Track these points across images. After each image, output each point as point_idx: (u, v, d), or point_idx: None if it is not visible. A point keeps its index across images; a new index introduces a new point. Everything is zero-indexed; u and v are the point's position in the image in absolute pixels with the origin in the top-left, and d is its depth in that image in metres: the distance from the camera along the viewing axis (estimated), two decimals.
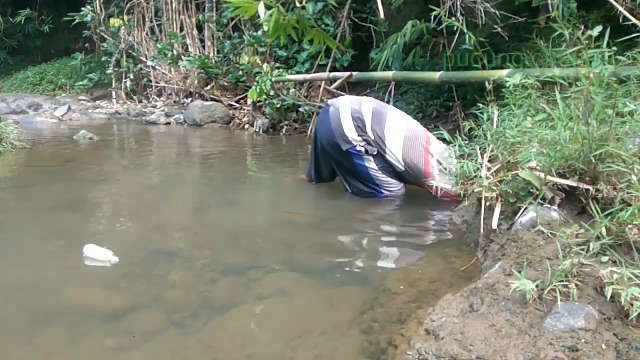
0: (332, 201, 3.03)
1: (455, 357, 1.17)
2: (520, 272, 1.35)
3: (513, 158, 1.98)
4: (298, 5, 2.20)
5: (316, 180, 3.30)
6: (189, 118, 7.16)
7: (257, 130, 6.33)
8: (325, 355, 1.37)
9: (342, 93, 5.63)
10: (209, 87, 7.49)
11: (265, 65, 6.22)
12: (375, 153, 2.85)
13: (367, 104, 2.97)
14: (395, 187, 2.94)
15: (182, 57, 7.68)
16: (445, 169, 2.76)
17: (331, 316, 1.59)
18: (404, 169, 2.85)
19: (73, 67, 10.39)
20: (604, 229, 1.41)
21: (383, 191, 2.94)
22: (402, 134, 2.84)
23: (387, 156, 2.85)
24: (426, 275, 1.87)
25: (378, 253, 2.23)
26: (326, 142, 3.01)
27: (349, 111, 2.90)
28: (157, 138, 6.19)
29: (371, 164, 2.87)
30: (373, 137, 2.83)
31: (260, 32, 6.54)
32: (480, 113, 2.38)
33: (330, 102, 3.13)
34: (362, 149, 2.84)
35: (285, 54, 6.46)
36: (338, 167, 3.09)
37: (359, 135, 2.83)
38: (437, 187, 2.72)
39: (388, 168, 2.89)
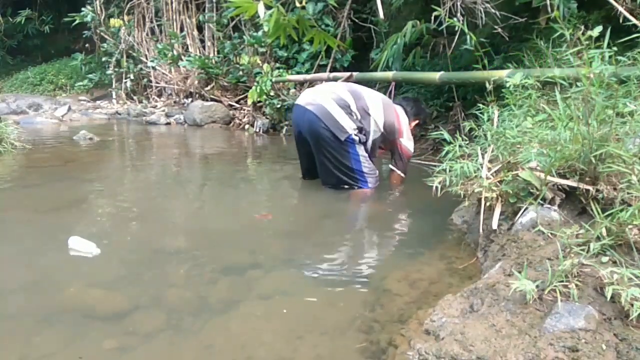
0: (331, 200, 3.03)
1: (455, 357, 1.17)
2: (520, 272, 1.35)
3: (513, 158, 1.98)
4: (298, 5, 2.21)
5: (307, 177, 3.38)
6: (189, 118, 7.16)
7: (257, 130, 6.33)
8: (325, 355, 1.37)
9: None
10: (209, 87, 7.49)
11: (265, 65, 6.22)
12: (364, 140, 3.04)
13: (341, 89, 3.11)
14: (375, 175, 3.14)
15: (182, 57, 7.67)
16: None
17: (331, 316, 1.59)
18: (382, 131, 3.08)
19: (73, 67, 10.39)
20: (604, 229, 1.41)
21: (368, 178, 3.08)
22: (379, 98, 3.14)
23: (370, 122, 3.03)
24: (426, 275, 1.87)
25: (378, 253, 2.23)
26: (317, 137, 3.00)
27: (333, 102, 2.97)
28: (157, 138, 6.19)
29: (362, 151, 3.05)
30: (359, 114, 2.99)
31: (260, 32, 6.54)
32: (480, 113, 2.37)
33: (302, 102, 3.09)
34: (357, 137, 2.99)
35: (285, 54, 6.46)
36: (323, 159, 3.05)
37: (352, 122, 2.97)
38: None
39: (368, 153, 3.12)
